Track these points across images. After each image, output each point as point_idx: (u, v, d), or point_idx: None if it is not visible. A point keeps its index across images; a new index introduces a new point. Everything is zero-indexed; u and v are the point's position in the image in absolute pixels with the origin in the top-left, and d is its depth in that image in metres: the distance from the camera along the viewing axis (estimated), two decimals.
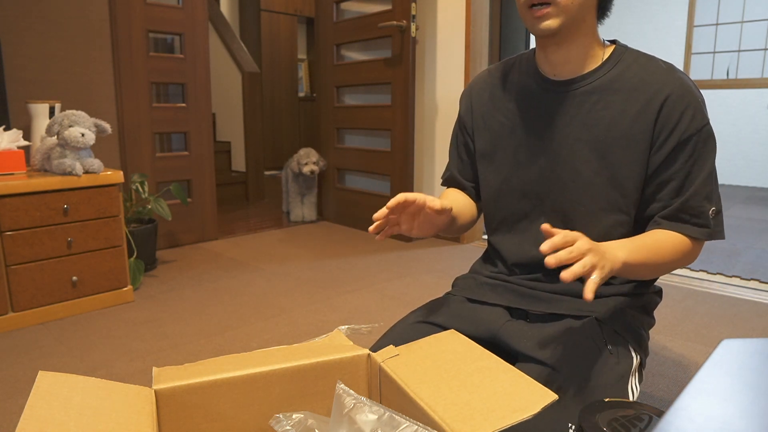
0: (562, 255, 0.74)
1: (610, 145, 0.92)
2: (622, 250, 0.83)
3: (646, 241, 0.89)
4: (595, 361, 0.87)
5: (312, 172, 3.30)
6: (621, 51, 0.96)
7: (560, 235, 0.74)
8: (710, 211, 0.91)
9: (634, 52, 0.96)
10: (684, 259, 0.93)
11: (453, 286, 1.14)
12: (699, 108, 0.90)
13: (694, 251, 0.94)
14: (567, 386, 0.81)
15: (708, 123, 0.90)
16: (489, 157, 1.06)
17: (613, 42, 0.98)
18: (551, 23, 0.89)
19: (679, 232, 0.91)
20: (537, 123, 0.99)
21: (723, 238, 0.93)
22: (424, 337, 0.92)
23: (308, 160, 3.30)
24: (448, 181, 1.18)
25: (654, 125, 0.90)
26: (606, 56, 0.96)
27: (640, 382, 0.94)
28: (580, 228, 0.95)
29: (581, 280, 0.97)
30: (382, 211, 0.87)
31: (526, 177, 1.00)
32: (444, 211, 0.89)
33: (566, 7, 0.87)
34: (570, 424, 0.78)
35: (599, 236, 0.95)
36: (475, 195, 1.15)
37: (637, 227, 0.97)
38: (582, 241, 0.75)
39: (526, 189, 1.01)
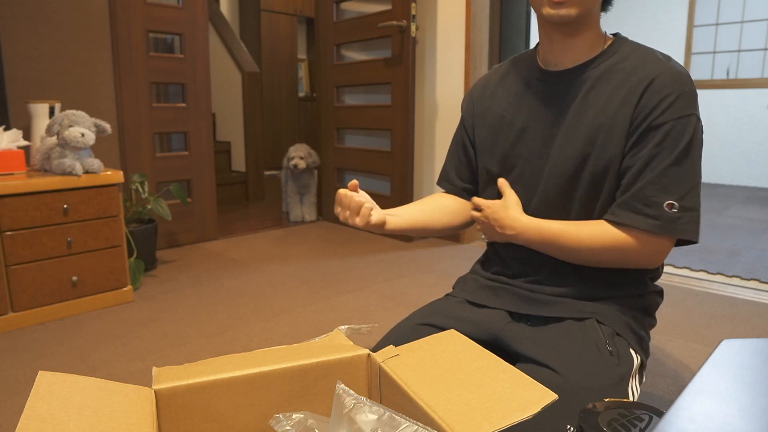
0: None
1: (596, 131, 0.92)
2: (526, 219, 0.98)
3: (569, 225, 0.94)
4: (596, 362, 0.87)
5: (296, 166, 3.27)
6: (621, 42, 0.96)
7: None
8: (665, 204, 0.85)
9: (633, 43, 0.96)
10: (621, 252, 0.89)
11: (454, 287, 1.14)
12: (683, 98, 0.86)
13: (649, 246, 0.88)
14: (567, 388, 0.81)
15: (690, 115, 0.86)
16: (489, 150, 1.07)
17: (614, 35, 0.99)
18: (571, 11, 0.89)
19: (627, 223, 0.87)
20: (534, 113, 0.99)
21: (689, 237, 0.86)
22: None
23: (295, 155, 3.29)
24: (442, 179, 1.19)
25: (634, 110, 0.89)
26: (606, 45, 0.96)
27: (640, 383, 0.94)
28: (574, 216, 0.96)
29: (582, 282, 0.98)
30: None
31: (523, 167, 1.01)
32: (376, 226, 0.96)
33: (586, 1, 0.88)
34: (569, 426, 0.78)
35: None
36: (465, 194, 1.15)
37: None
38: (491, 211, 1.00)
39: (522, 179, 1.01)
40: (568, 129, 0.95)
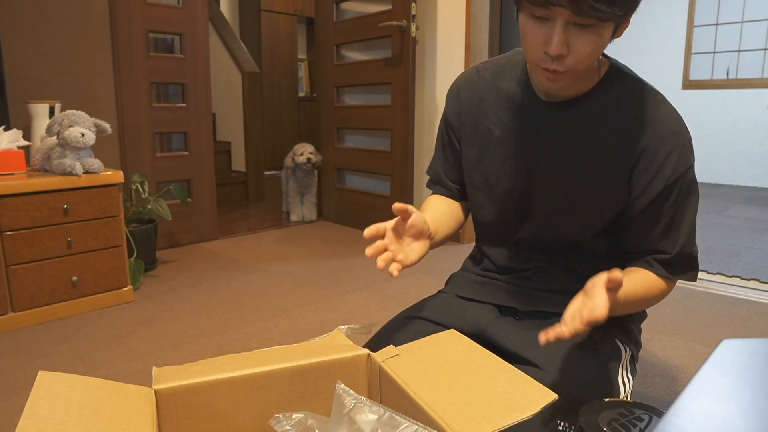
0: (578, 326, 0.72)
1: (592, 172, 0.91)
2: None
3: (637, 285, 0.90)
4: (581, 357, 0.87)
5: (309, 160, 3.28)
6: (615, 74, 0.92)
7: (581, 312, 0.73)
8: (695, 251, 0.94)
9: (627, 77, 0.92)
10: (662, 297, 0.96)
11: (446, 284, 1.15)
12: (684, 150, 0.88)
13: (672, 287, 0.97)
14: (554, 383, 0.81)
15: (692, 164, 0.90)
16: (476, 163, 1.03)
17: (606, 57, 0.94)
18: (563, 84, 0.86)
19: (678, 278, 0.94)
20: (525, 139, 0.96)
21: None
22: (414, 332, 0.93)
23: (303, 150, 3.30)
24: (434, 182, 1.16)
25: (637, 163, 0.89)
26: (602, 74, 0.92)
27: (633, 376, 0.95)
28: (555, 246, 0.98)
29: (569, 278, 0.98)
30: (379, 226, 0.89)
31: (511, 189, 0.99)
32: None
33: (581, 71, 0.84)
34: (559, 421, 0.78)
35: (575, 255, 0.97)
36: (461, 195, 1.14)
37: (615, 258, 0.97)
38: (597, 312, 0.72)
39: (510, 200, 1.00)
40: (561, 164, 0.93)
